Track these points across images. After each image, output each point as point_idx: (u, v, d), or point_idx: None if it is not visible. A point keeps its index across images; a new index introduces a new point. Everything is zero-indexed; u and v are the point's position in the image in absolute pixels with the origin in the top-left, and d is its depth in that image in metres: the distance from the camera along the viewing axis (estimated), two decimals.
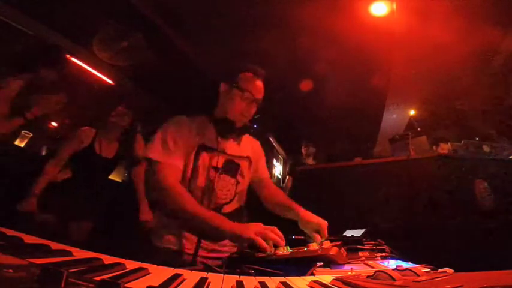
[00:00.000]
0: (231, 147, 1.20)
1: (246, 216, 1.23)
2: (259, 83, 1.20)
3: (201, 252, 1.06)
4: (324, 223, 1.11)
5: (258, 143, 1.36)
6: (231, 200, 1.16)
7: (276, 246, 0.88)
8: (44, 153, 3.37)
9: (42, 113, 1.78)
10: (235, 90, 1.16)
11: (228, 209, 1.15)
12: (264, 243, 0.85)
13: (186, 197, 0.99)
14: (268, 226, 0.90)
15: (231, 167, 1.17)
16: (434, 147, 3.30)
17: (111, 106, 2.08)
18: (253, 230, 0.88)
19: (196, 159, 1.10)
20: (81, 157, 1.92)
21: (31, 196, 1.72)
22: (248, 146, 1.28)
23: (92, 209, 1.92)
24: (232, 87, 1.17)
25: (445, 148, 3.17)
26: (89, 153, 1.93)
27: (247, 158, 1.25)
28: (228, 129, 1.15)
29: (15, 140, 2.84)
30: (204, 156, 1.11)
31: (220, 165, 1.13)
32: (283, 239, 0.89)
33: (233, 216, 1.10)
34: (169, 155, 1.05)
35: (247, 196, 1.30)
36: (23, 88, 1.74)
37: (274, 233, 0.88)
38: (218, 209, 1.12)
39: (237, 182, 1.19)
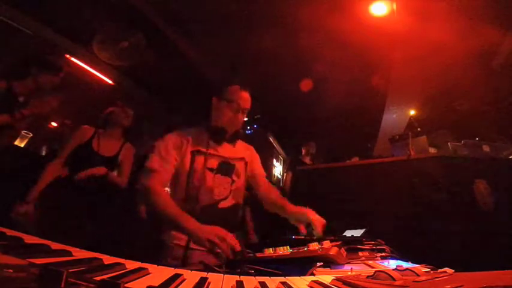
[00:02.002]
0: (225, 150, 1.35)
1: (246, 213, 1.31)
2: (245, 94, 1.35)
3: (193, 245, 1.14)
4: (314, 216, 1.22)
5: (252, 147, 1.52)
6: (226, 197, 1.29)
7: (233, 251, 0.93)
8: (44, 153, 3.37)
9: (31, 114, 1.76)
10: (224, 101, 1.33)
11: (223, 204, 1.28)
12: (223, 246, 0.91)
13: (162, 197, 1.12)
14: (221, 233, 0.96)
15: (227, 168, 1.32)
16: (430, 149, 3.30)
17: (110, 105, 2.07)
18: (214, 232, 0.95)
19: (192, 161, 1.26)
20: (78, 154, 1.89)
21: (28, 202, 1.69)
22: (242, 149, 1.44)
23: (89, 208, 1.88)
24: (221, 99, 1.34)
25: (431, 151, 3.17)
26: (86, 151, 1.90)
27: (242, 159, 1.40)
28: (220, 135, 1.33)
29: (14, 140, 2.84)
30: (199, 159, 1.26)
31: (214, 166, 1.29)
32: (238, 245, 0.93)
33: (228, 211, 1.27)
34: (160, 161, 1.21)
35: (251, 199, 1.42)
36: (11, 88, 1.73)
37: (226, 240, 0.93)
38: (215, 204, 1.26)
39: (232, 181, 1.33)
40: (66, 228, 1.77)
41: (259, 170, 1.48)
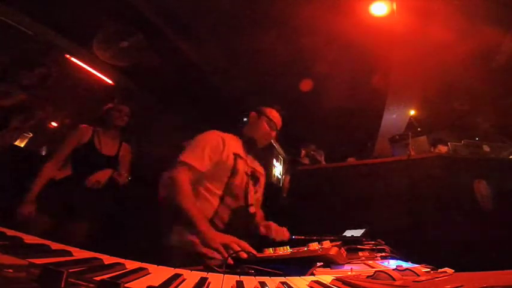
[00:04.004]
0: (252, 162, 1.46)
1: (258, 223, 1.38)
2: (280, 119, 1.51)
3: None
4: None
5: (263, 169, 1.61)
6: (253, 204, 1.37)
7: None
8: (44, 153, 3.37)
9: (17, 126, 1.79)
10: (265, 118, 1.46)
11: (252, 210, 1.36)
12: (225, 254, 0.91)
13: (185, 192, 1.13)
14: (236, 239, 0.98)
15: (254, 177, 1.42)
16: (432, 148, 3.30)
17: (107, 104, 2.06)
18: (220, 240, 0.97)
19: (235, 161, 1.31)
20: (81, 154, 1.88)
21: (29, 201, 1.68)
22: (261, 167, 1.55)
23: (93, 208, 1.87)
24: (261, 116, 1.47)
25: (442, 150, 3.18)
26: (89, 150, 1.89)
27: (263, 175, 1.52)
28: (252, 146, 1.45)
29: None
30: (240, 162, 1.34)
31: (249, 173, 1.38)
32: (248, 248, 0.95)
33: (253, 217, 1.36)
34: (195, 157, 1.23)
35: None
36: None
37: (240, 245, 0.95)
38: (247, 207, 1.32)
39: (256, 191, 1.43)
40: (68, 229, 1.77)
41: (262, 190, 1.55)
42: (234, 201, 1.28)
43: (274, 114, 1.49)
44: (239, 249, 0.92)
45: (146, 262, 0.55)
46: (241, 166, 1.32)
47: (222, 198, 1.26)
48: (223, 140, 1.32)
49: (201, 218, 1.08)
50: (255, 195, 1.41)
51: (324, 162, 3.96)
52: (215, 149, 1.28)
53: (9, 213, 1.64)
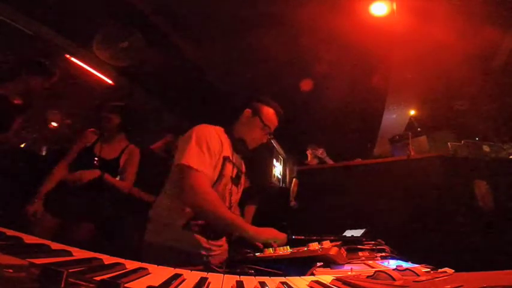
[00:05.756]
0: (238, 162, 1.40)
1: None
2: (276, 121, 1.41)
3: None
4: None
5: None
6: (233, 206, 1.36)
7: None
8: (44, 153, 3.36)
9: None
10: (258, 121, 1.36)
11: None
12: (281, 236, 1.08)
13: (215, 199, 1.13)
14: (275, 231, 1.11)
15: (238, 179, 1.38)
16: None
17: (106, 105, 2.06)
18: (265, 236, 1.07)
19: (222, 168, 1.26)
20: (80, 157, 1.91)
21: (38, 198, 1.73)
22: (243, 166, 1.49)
23: (92, 210, 1.89)
24: (255, 115, 1.37)
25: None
26: (87, 154, 1.93)
27: (244, 173, 1.48)
28: (243, 149, 1.38)
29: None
30: (228, 167, 1.28)
31: (234, 176, 1.33)
32: (284, 240, 1.07)
33: None
34: (205, 165, 1.17)
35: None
36: None
37: (278, 238, 1.08)
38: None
39: (237, 192, 1.39)
40: (66, 229, 1.79)
41: (241, 188, 1.51)
42: None
43: (270, 116, 1.38)
44: (276, 245, 1.01)
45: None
46: (227, 171, 1.27)
47: None
48: (221, 143, 1.28)
49: (241, 220, 1.14)
50: (236, 196, 1.38)
51: (331, 162, 3.94)
52: (217, 151, 1.24)
53: (15, 213, 1.66)
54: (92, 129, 2.03)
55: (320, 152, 4.02)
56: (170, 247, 1.14)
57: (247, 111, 1.39)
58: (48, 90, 2.01)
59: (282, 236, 1.08)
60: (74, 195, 1.82)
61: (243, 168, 1.46)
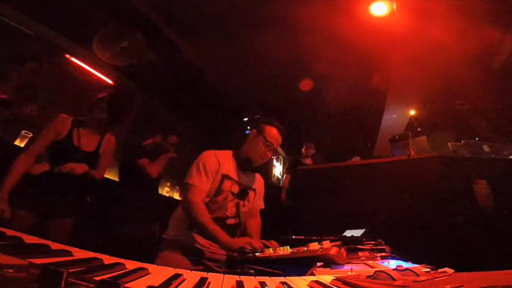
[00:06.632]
0: (245, 179, 1.58)
1: (242, 231, 1.55)
2: (280, 139, 1.58)
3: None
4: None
5: (262, 180, 1.73)
6: (234, 216, 1.51)
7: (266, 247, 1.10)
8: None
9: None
10: (262, 139, 1.53)
11: (230, 221, 1.51)
12: (257, 244, 1.11)
13: (203, 212, 1.35)
14: (249, 239, 1.22)
15: (243, 194, 1.54)
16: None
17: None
18: (238, 244, 1.14)
19: (221, 183, 1.48)
20: (59, 149, 1.75)
21: (1, 198, 1.49)
22: (256, 181, 1.67)
23: (72, 205, 1.78)
24: (259, 134, 1.54)
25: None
26: (67, 146, 1.76)
27: (255, 189, 1.63)
28: (247, 166, 1.56)
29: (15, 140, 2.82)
30: (227, 183, 1.49)
31: (235, 192, 1.51)
32: (260, 247, 1.09)
33: (232, 227, 1.50)
34: (201, 181, 1.43)
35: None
36: None
37: (252, 245, 1.12)
38: (224, 219, 1.49)
39: (243, 205, 1.55)
40: (49, 226, 1.68)
41: (260, 202, 1.70)
42: (213, 211, 1.44)
43: (273, 133, 1.55)
44: (250, 248, 1.07)
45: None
46: (226, 186, 1.47)
47: (206, 205, 1.43)
48: (218, 163, 1.49)
49: (219, 231, 1.28)
50: (243, 208, 1.53)
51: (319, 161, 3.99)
52: (213, 170, 1.46)
53: None
54: (62, 114, 1.82)
55: (311, 147, 4.06)
56: (181, 241, 1.42)
57: (253, 132, 1.59)
58: (37, 79, 1.90)
59: (257, 243, 1.13)
60: (50, 188, 1.69)
61: (254, 185, 1.62)
